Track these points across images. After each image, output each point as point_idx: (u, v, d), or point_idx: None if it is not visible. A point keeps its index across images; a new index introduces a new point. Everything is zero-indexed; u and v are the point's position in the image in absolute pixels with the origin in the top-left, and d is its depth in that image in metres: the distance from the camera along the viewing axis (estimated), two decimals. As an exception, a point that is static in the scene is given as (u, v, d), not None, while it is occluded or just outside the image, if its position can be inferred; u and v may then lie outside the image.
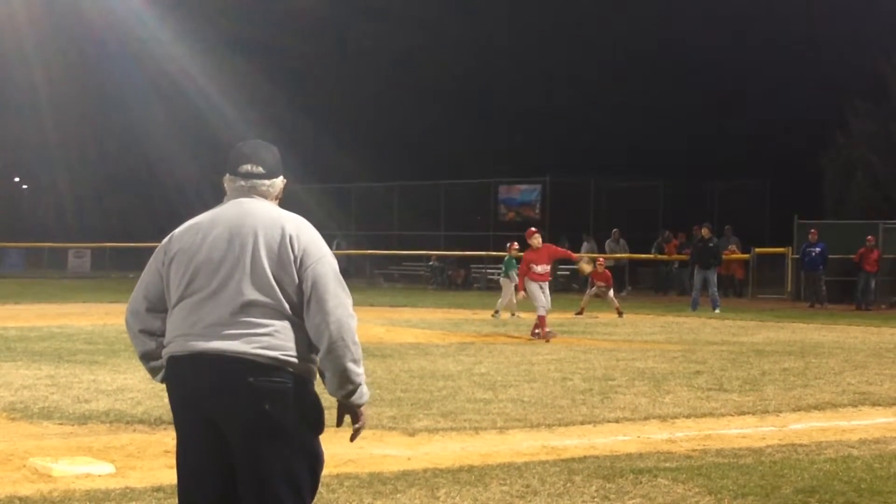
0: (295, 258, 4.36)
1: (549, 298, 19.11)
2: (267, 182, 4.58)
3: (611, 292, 25.96)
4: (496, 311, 23.99)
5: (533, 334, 18.79)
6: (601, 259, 28.50)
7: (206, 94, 50.44)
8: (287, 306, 4.35)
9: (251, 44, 56.43)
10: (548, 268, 19.41)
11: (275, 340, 4.32)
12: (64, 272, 44.28)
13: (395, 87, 58.88)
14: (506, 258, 25.42)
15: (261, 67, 55.02)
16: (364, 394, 4.46)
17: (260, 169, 4.57)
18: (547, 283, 19.31)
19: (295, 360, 4.34)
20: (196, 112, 51.98)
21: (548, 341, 18.14)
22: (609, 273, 26.72)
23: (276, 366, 4.30)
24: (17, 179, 69.02)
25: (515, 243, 25.81)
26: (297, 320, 4.37)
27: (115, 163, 60.49)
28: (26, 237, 50.53)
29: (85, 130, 58.05)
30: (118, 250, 46.92)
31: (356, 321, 4.42)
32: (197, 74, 49.79)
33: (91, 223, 55.15)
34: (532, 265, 19.01)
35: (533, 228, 20.20)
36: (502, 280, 24.76)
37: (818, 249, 30.31)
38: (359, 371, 4.40)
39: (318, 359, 4.40)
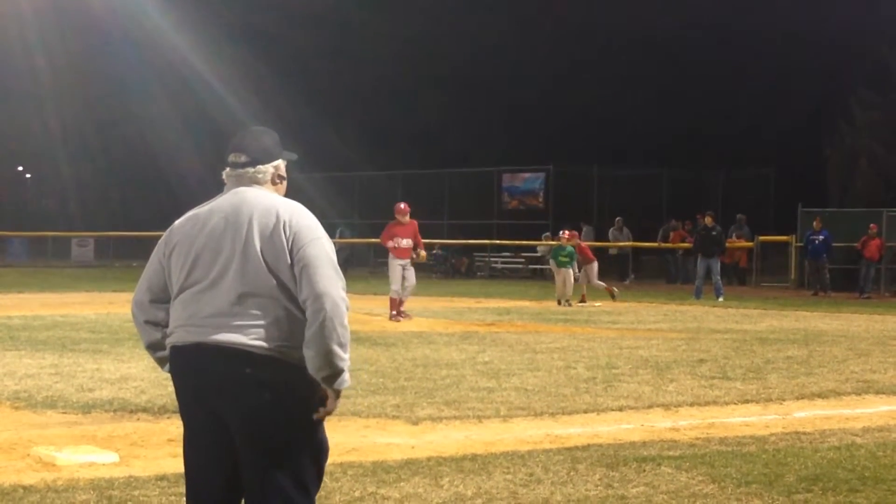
0: (287, 240, 4.33)
1: (412, 280, 19.74)
2: (251, 169, 4.54)
3: (595, 273, 25.66)
4: (560, 300, 24.60)
5: (392, 317, 19.36)
6: (573, 233, 27.48)
7: (209, 83, 50.39)
8: (283, 296, 4.33)
9: (254, 33, 56.41)
10: (411, 243, 19.84)
11: (272, 331, 4.30)
12: (67, 261, 44.31)
13: (399, 76, 58.86)
14: (555, 246, 25.76)
15: (263, 56, 54.98)
16: (345, 381, 4.37)
17: (242, 158, 4.55)
18: (409, 261, 19.80)
19: (293, 350, 4.32)
20: (198, 101, 51.95)
21: (398, 321, 19.00)
22: (587, 247, 26.21)
23: (273, 356, 4.29)
24: (20, 168, 69.05)
25: (566, 231, 26.30)
26: (294, 310, 4.34)
27: (117, 152, 60.51)
28: (30, 226, 50.58)
29: (87, 119, 58.05)
30: (122, 239, 46.95)
31: (347, 305, 4.34)
32: (199, 63, 49.74)
33: (94, 212, 55.18)
34: (397, 238, 19.72)
35: (403, 204, 20.37)
36: (555, 269, 25.20)
37: (822, 237, 30.30)
38: (343, 356, 4.31)
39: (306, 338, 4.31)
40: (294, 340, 4.32)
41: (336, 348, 4.30)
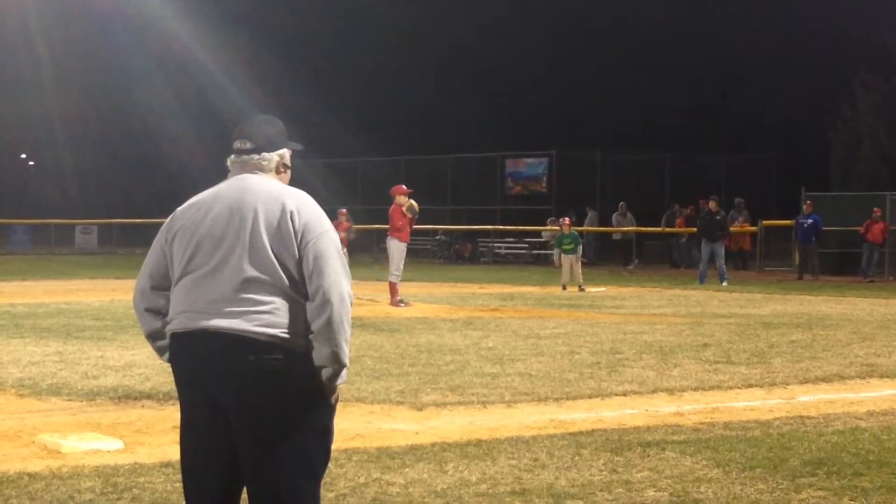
0: (296, 233, 4.32)
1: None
2: (256, 156, 4.52)
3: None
4: (565, 286, 24.67)
5: (395, 303, 19.50)
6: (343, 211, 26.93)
7: (210, 70, 50.37)
8: (287, 283, 4.31)
9: (255, 20, 56.36)
10: None
11: (274, 318, 4.28)
12: (71, 248, 44.36)
13: (401, 62, 58.77)
14: (558, 234, 25.97)
15: (265, 43, 54.95)
16: (344, 377, 4.40)
17: (248, 144, 4.53)
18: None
19: (295, 337, 4.30)
20: (200, 88, 51.94)
21: (400, 306, 19.22)
22: (348, 226, 25.07)
23: (276, 343, 4.27)
24: (23, 156, 69.07)
25: (567, 218, 26.54)
26: (297, 297, 4.32)
27: (119, 139, 60.52)
28: (33, 214, 50.60)
29: (90, 107, 58.06)
30: (125, 226, 46.99)
31: (352, 300, 4.36)
32: (201, 51, 49.71)
33: (97, 200, 55.23)
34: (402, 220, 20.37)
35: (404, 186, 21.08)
36: (557, 256, 25.42)
37: (810, 221, 30.31)
38: (347, 352, 4.33)
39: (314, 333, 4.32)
40: (297, 328, 4.31)
41: (343, 344, 4.31)
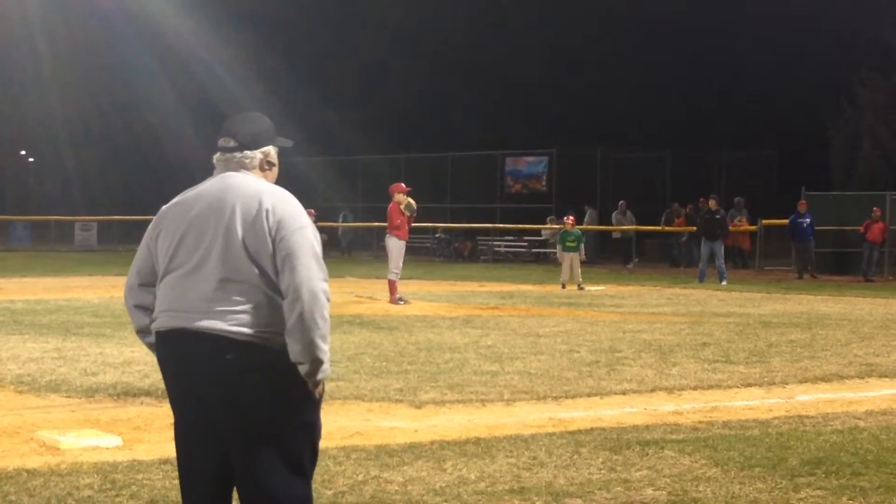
0: (270, 230, 4.30)
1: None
2: (239, 154, 4.51)
3: None
4: (564, 284, 24.65)
5: (394, 301, 19.44)
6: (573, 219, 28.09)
7: (210, 67, 50.36)
8: (264, 282, 4.30)
9: (255, 17, 56.34)
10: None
11: (251, 317, 4.27)
12: (70, 245, 44.35)
13: (401, 59, 58.75)
14: (561, 231, 25.94)
15: (266, 40, 54.94)
16: (325, 371, 4.35)
17: (231, 142, 4.52)
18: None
19: (274, 335, 4.29)
20: (201, 85, 51.89)
21: (399, 304, 19.15)
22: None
23: (254, 342, 4.27)
24: (23, 153, 69.04)
25: (572, 217, 26.50)
26: (274, 295, 4.30)
27: (120, 136, 60.49)
28: (33, 210, 50.57)
29: (90, 104, 58.02)
30: (124, 223, 46.94)
31: (327, 297, 4.30)
32: (202, 47, 49.71)
33: (97, 196, 55.21)
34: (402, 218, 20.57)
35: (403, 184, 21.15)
36: (560, 253, 25.34)
37: (808, 220, 30.34)
38: (324, 348, 4.29)
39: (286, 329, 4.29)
40: (276, 326, 4.29)
41: (317, 340, 4.26)
